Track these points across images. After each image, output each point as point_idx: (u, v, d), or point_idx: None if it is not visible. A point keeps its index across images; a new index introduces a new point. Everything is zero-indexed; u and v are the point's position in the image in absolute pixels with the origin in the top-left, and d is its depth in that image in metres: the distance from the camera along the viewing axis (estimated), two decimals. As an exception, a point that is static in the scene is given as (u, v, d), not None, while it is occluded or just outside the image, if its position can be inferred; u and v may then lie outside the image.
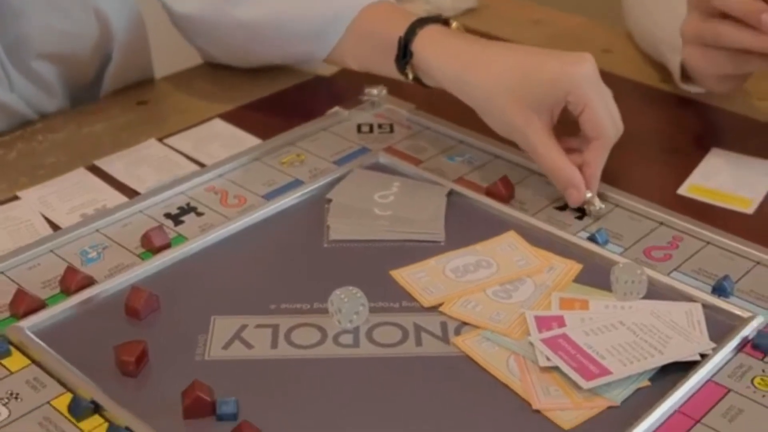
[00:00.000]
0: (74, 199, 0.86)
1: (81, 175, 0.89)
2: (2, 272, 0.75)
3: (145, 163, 0.91)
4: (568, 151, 0.82)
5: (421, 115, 0.95)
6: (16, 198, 0.86)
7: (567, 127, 0.83)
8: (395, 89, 0.98)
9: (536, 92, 0.81)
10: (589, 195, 0.81)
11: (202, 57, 1.09)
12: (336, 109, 0.96)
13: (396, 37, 0.89)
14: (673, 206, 0.83)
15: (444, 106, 0.95)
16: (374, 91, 0.98)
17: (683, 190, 0.87)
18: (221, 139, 0.95)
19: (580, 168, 0.82)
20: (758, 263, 0.76)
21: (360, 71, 0.96)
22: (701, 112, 1.01)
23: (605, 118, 0.81)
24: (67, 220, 0.82)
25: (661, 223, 0.81)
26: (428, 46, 0.87)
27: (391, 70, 0.91)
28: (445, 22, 0.90)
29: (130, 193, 0.86)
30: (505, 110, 0.82)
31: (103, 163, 0.91)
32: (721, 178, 0.89)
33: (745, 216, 0.84)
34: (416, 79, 0.90)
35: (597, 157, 0.82)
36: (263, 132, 0.94)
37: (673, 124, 0.98)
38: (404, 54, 0.88)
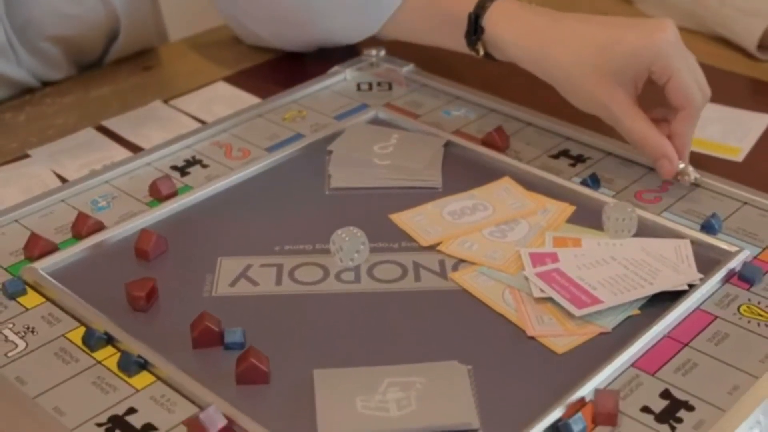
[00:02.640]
0: (84, 156, 0.88)
1: (90, 134, 0.92)
2: (16, 220, 0.77)
3: (151, 122, 0.94)
4: (655, 122, 0.80)
5: (419, 74, 0.98)
6: (26, 156, 0.88)
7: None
8: (393, 50, 1.00)
9: (618, 65, 0.79)
10: (682, 166, 0.79)
11: (243, 38, 1.07)
12: (336, 68, 0.98)
13: (462, 9, 0.87)
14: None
15: (441, 64, 0.98)
16: (373, 51, 1.00)
17: (675, 141, 0.90)
18: (225, 101, 0.97)
19: (669, 139, 0.79)
20: (746, 203, 0.79)
21: (414, 43, 0.95)
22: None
23: (692, 86, 0.78)
24: (77, 176, 0.84)
25: (652, 169, 0.83)
26: (501, 22, 0.85)
27: (455, 43, 0.89)
28: None
29: (138, 150, 0.88)
30: (587, 86, 0.80)
31: (110, 124, 0.93)
32: (712, 128, 0.92)
33: (734, 163, 0.87)
34: (487, 54, 0.88)
35: (686, 127, 0.79)
36: (266, 94, 0.96)
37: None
38: (475, 30, 0.86)
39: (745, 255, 0.72)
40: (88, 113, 0.96)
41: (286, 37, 1.02)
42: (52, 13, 0.98)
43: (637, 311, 0.68)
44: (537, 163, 0.84)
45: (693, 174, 0.80)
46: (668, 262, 0.71)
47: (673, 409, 0.60)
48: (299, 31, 1.00)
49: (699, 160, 0.85)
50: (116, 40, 1.05)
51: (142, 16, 1.07)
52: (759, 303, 0.68)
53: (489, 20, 0.86)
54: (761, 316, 0.67)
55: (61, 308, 0.68)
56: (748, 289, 0.70)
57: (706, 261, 0.72)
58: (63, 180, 0.85)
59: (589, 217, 0.77)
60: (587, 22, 0.82)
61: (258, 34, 1.04)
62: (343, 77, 0.98)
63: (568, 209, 0.78)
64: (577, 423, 0.58)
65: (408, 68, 0.98)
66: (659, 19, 0.79)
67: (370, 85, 0.97)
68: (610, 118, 0.81)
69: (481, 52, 0.88)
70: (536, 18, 0.84)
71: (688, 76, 0.78)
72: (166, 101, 0.97)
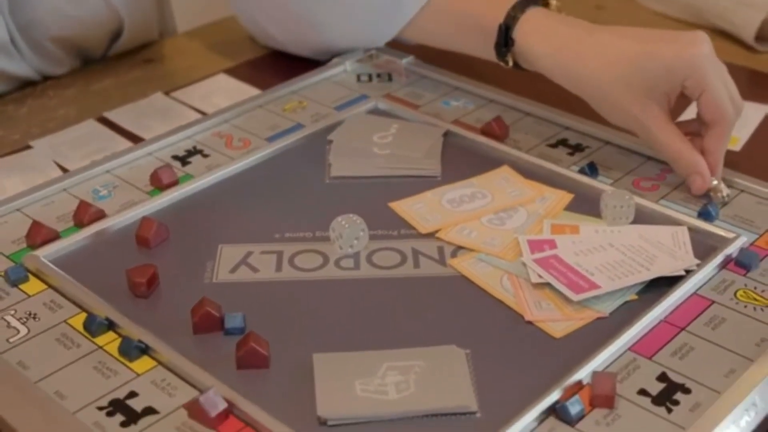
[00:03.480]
0: (85, 147, 0.89)
1: (91, 125, 0.93)
2: (18, 209, 0.78)
3: (152, 114, 0.94)
4: (687, 135, 0.79)
5: (418, 65, 0.98)
6: (28, 147, 0.89)
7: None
8: (393, 41, 1.01)
9: (652, 80, 0.77)
10: (714, 182, 0.78)
11: (260, 40, 1.06)
12: (336, 60, 0.99)
13: (490, 19, 0.86)
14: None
15: (441, 56, 0.98)
16: (373, 43, 1.01)
17: (673, 130, 0.90)
18: (226, 92, 0.98)
19: (701, 153, 0.78)
20: (743, 191, 0.79)
21: (432, 47, 0.95)
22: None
23: (725, 101, 0.77)
24: (78, 167, 0.85)
25: (649, 158, 0.83)
26: (532, 34, 0.84)
27: (482, 52, 0.89)
28: (545, 2, 0.87)
29: (139, 141, 0.89)
30: (620, 100, 0.79)
31: (112, 115, 0.94)
32: (710, 118, 0.92)
33: (732, 152, 0.87)
34: (516, 65, 0.87)
35: (719, 143, 0.78)
36: (266, 85, 0.97)
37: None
38: (506, 42, 0.85)
39: (741, 241, 0.72)
40: (89, 105, 0.97)
41: (299, 42, 1.02)
42: (55, 14, 0.99)
43: (634, 296, 0.68)
44: (535, 152, 0.85)
45: (725, 190, 0.78)
46: (665, 248, 0.72)
47: (669, 391, 0.60)
48: (313, 35, 0.99)
49: (698, 150, 0.86)
50: (119, 39, 1.06)
51: (144, 15, 1.07)
52: (755, 288, 0.69)
53: (520, 32, 0.84)
54: (757, 300, 0.67)
55: (63, 295, 0.69)
56: (744, 275, 0.70)
57: (704, 247, 0.72)
58: (65, 170, 0.85)
59: (587, 204, 0.77)
60: (620, 36, 0.80)
61: (275, 38, 1.03)
62: (343, 68, 0.98)
63: (567, 197, 0.79)
64: (575, 405, 0.58)
65: (407, 60, 0.99)
66: (693, 32, 0.78)
67: (370, 77, 0.97)
68: (643, 133, 0.80)
69: (510, 63, 0.87)
70: (568, 30, 0.83)
71: (721, 91, 0.77)
72: (167, 93, 0.98)
